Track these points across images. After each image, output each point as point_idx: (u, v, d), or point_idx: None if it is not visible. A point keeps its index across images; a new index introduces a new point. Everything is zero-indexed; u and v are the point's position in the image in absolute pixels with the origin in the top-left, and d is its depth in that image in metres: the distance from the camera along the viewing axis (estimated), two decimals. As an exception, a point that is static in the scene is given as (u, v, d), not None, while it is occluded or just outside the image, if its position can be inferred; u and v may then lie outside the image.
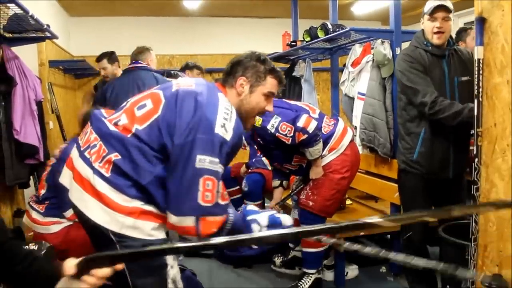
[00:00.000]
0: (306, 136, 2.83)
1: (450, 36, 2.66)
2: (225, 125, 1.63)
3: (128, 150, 1.61)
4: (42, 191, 2.68)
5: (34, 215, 2.60)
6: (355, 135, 3.44)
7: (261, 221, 1.78)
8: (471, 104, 2.42)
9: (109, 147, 1.64)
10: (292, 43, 4.62)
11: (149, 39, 6.41)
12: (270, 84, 1.89)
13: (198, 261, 3.48)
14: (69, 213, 2.51)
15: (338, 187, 3.03)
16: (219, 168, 1.62)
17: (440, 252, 2.67)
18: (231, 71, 1.88)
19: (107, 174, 1.60)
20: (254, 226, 1.76)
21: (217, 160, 1.60)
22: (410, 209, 2.79)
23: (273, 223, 1.79)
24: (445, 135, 2.58)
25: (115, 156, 1.62)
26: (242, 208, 1.86)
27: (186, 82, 1.78)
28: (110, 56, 4.40)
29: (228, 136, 1.63)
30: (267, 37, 6.30)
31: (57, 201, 2.57)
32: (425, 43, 2.61)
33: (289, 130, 2.83)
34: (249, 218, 1.79)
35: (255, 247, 2.51)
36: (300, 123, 2.82)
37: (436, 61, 2.59)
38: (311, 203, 3.02)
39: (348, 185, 3.14)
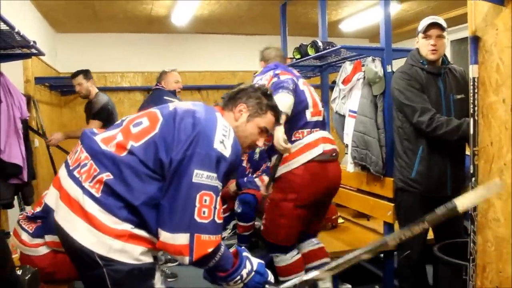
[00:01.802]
0: (276, 79, 2.68)
1: (444, 55, 2.68)
2: (223, 142, 1.63)
3: (120, 170, 1.57)
4: (38, 209, 2.58)
5: (23, 236, 2.49)
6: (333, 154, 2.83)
7: (253, 263, 1.78)
8: (467, 119, 2.45)
9: (101, 166, 1.59)
10: (282, 61, 4.59)
11: (137, 56, 6.44)
12: (268, 119, 1.92)
13: (190, 282, 3.40)
14: (49, 238, 2.42)
15: (280, 211, 2.70)
16: (217, 184, 1.59)
17: (435, 272, 2.63)
18: (234, 96, 1.90)
19: (98, 195, 1.56)
20: (247, 264, 1.75)
21: (214, 175, 1.58)
22: None
23: (261, 273, 1.78)
24: (443, 153, 2.58)
25: (106, 176, 1.57)
26: (235, 246, 1.84)
27: (183, 103, 1.80)
28: (86, 73, 4.48)
29: (226, 152, 1.62)
30: (256, 54, 6.21)
31: (47, 221, 2.48)
32: (421, 61, 2.63)
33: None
34: (244, 254, 1.78)
35: None
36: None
37: (432, 79, 2.61)
38: (262, 227, 2.87)
39: (297, 211, 2.68)
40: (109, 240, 1.53)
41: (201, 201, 1.55)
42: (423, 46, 2.61)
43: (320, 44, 3.82)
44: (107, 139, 1.68)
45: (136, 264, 1.56)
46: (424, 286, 2.77)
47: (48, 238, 2.40)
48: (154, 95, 4.18)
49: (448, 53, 5.39)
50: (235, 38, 6.89)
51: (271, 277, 1.81)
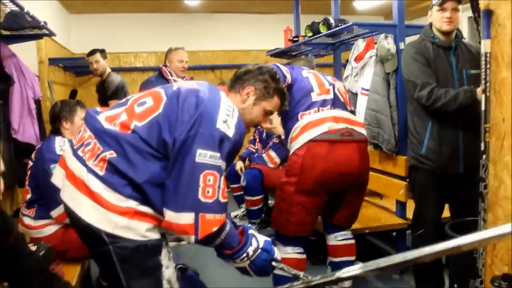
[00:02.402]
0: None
1: (458, 29, 2.62)
2: (227, 121, 1.62)
3: (123, 148, 1.58)
4: (28, 196, 2.63)
5: (26, 220, 2.55)
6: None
7: (260, 241, 1.76)
8: (465, 87, 2.45)
9: (104, 145, 1.60)
10: (294, 39, 4.56)
11: (149, 36, 6.43)
12: (274, 103, 1.91)
13: (201, 260, 3.44)
14: (56, 213, 2.46)
15: (281, 194, 2.59)
16: (221, 163, 1.59)
17: (447, 250, 2.62)
18: (241, 77, 1.88)
19: (101, 173, 1.57)
20: (253, 242, 1.74)
21: (218, 154, 1.58)
22: (422, 207, 2.73)
23: (267, 250, 1.76)
24: (454, 128, 2.54)
25: (110, 154, 1.58)
26: (243, 225, 1.84)
27: (187, 83, 1.78)
28: (102, 52, 4.50)
29: (230, 132, 1.62)
30: (268, 33, 6.25)
31: (43, 202, 2.52)
32: (432, 35, 2.58)
33: None
34: (251, 231, 1.77)
35: None
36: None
37: (442, 53, 2.57)
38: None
39: (299, 197, 2.50)
40: (115, 217, 1.54)
41: (205, 180, 1.55)
42: (437, 18, 2.57)
43: (332, 21, 3.77)
44: (111, 117, 1.69)
45: (142, 241, 1.57)
46: (438, 265, 2.75)
47: (55, 213, 2.45)
48: (150, 78, 4.15)
49: (465, 29, 5.28)
50: (248, 17, 6.82)
51: (277, 254, 1.80)
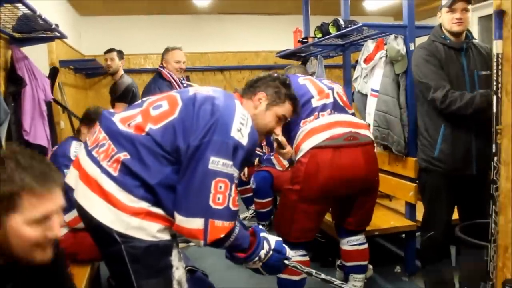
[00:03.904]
0: None
1: (468, 30, 2.60)
2: (241, 130, 1.64)
3: (137, 150, 1.60)
4: None
5: None
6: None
7: (271, 242, 1.78)
8: (481, 90, 2.41)
9: (118, 146, 1.63)
10: (304, 40, 4.55)
11: (159, 37, 6.44)
12: (286, 108, 1.95)
13: (210, 261, 3.45)
14: (69, 217, 2.47)
15: (284, 201, 2.61)
16: (233, 171, 1.61)
17: (457, 253, 2.60)
18: (253, 84, 1.92)
19: (115, 173, 1.59)
20: (265, 245, 1.76)
21: (230, 163, 1.60)
22: (433, 209, 2.70)
23: (279, 251, 1.79)
24: (468, 130, 2.52)
25: (123, 156, 1.60)
26: (253, 225, 1.86)
27: (204, 89, 1.80)
28: (120, 52, 4.60)
29: (243, 140, 1.64)
30: (277, 34, 6.26)
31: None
32: (443, 36, 2.56)
33: None
34: (262, 234, 1.79)
35: None
36: None
37: (453, 54, 2.55)
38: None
39: (302, 205, 2.47)
40: (127, 217, 1.56)
41: (216, 187, 1.57)
42: (447, 19, 2.55)
43: (341, 22, 3.76)
44: (125, 118, 1.71)
45: (153, 241, 1.59)
46: (448, 267, 2.73)
47: (67, 217, 2.47)
48: (149, 82, 4.09)
49: (475, 30, 5.24)
50: (257, 18, 6.84)
51: (289, 253, 1.83)
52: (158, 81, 3.93)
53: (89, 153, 1.68)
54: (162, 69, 3.98)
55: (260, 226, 1.87)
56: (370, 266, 3.27)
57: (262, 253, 1.74)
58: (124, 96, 4.38)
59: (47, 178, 1.13)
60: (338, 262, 3.19)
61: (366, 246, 2.76)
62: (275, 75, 1.98)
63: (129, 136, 1.63)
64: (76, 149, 2.56)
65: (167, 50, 4.02)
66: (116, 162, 1.60)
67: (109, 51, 4.62)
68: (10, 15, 2.85)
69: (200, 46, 6.63)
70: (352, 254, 2.73)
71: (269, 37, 6.68)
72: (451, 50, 2.55)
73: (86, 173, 1.65)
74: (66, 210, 2.41)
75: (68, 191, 2.35)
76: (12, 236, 1.09)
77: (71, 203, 2.44)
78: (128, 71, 5.06)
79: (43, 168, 1.14)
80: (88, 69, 5.79)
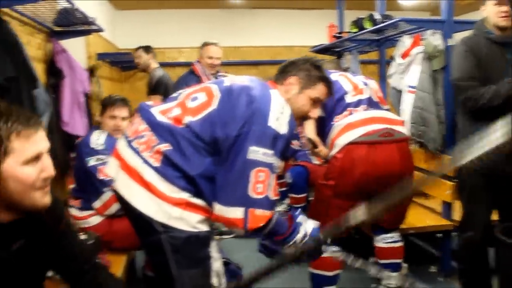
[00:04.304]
0: None
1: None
2: (279, 119, 1.63)
3: (178, 141, 1.62)
4: (73, 187, 2.71)
5: (73, 211, 2.64)
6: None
7: (308, 228, 1.79)
8: (507, 78, 2.32)
9: (159, 137, 1.65)
10: (338, 35, 4.51)
11: (193, 31, 6.50)
12: (320, 90, 1.89)
13: (242, 255, 3.46)
14: (97, 204, 2.53)
15: (318, 196, 2.59)
16: (273, 160, 1.62)
17: (496, 255, 2.53)
18: (284, 69, 1.90)
19: (157, 164, 1.62)
20: (301, 230, 1.77)
21: (271, 152, 1.60)
22: (472, 209, 2.62)
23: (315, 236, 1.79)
24: None
25: (165, 147, 1.63)
26: (291, 212, 1.86)
27: (239, 78, 1.80)
28: (146, 48, 4.68)
29: (282, 129, 1.64)
30: (312, 29, 6.20)
31: (86, 194, 2.59)
32: (486, 30, 2.46)
33: None
34: (299, 219, 1.79)
35: None
36: None
37: (498, 49, 2.43)
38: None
39: (336, 201, 2.43)
40: (168, 207, 1.59)
41: (256, 176, 1.58)
42: (493, 13, 2.42)
43: (377, 17, 3.71)
44: (164, 110, 1.73)
45: (193, 232, 1.62)
46: (485, 269, 2.66)
47: (96, 205, 2.52)
48: (180, 76, 4.15)
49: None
50: (291, 12, 6.79)
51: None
52: (188, 76, 3.97)
53: (129, 144, 1.71)
54: (196, 63, 4.01)
55: (298, 211, 1.87)
56: (405, 265, 3.23)
57: (299, 237, 1.74)
58: (156, 88, 4.45)
59: (31, 119, 1.17)
60: (372, 259, 3.15)
61: (401, 244, 2.72)
62: (306, 58, 1.95)
63: (169, 128, 1.65)
64: (96, 138, 2.60)
65: (202, 45, 4.05)
66: (158, 153, 1.63)
67: (136, 49, 4.72)
68: (50, 9, 2.92)
69: (234, 40, 6.63)
70: (386, 251, 2.70)
71: (302, 32, 6.63)
72: (495, 45, 2.45)
73: (127, 163, 1.67)
74: (93, 197, 2.51)
75: (93, 178, 2.42)
76: (10, 181, 1.12)
77: (97, 190, 2.51)
78: (162, 65, 5.11)
79: (24, 112, 1.20)
80: (124, 63, 5.88)
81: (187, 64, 6.44)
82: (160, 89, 4.40)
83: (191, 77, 3.92)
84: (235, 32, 6.62)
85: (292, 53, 6.70)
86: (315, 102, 1.90)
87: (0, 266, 1.15)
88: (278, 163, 1.66)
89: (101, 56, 4.98)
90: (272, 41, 6.75)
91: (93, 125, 2.78)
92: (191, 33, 6.51)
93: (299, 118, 1.89)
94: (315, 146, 2.62)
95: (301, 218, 1.82)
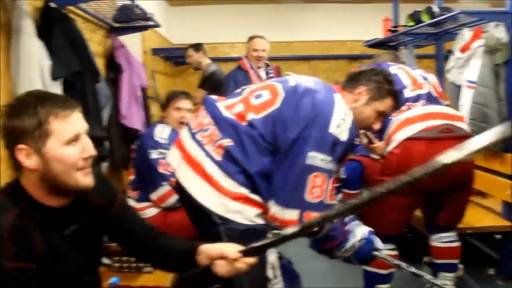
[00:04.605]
0: None
1: None
2: (340, 126, 1.63)
3: (240, 138, 1.65)
4: (132, 178, 2.79)
5: (131, 202, 2.70)
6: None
7: (362, 232, 1.80)
8: None
9: (223, 132, 1.68)
10: (394, 29, 4.40)
11: (245, 26, 6.48)
12: (387, 104, 1.87)
13: (293, 250, 3.46)
14: (155, 195, 2.58)
15: None
16: (331, 166, 1.62)
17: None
18: (354, 77, 1.88)
19: (218, 158, 1.65)
20: (356, 234, 1.78)
21: (329, 158, 1.60)
22: None
23: (369, 241, 1.81)
24: None
25: (227, 142, 1.66)
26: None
27: (304, 79, 1.80)
28: (196, 46, 4.74)
29: (343, 136, 1.64)
30: (365, 23, 6.08)
31: (145, 185, 2.66)
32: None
33: None
34: (353, 224, 1.81)
35: None
36: None
37: None
38: None
39: (393, 198, 2.32)
40: (228, 201, 1.62)
41: (313, 181, 1.59)
42: None
43: (435, 9, 3.59)
44: (228, 106, 1.76)
45: (251, 225, 1.65)
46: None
47: (154, 196, 2.58)
48: (229, 72, 4.16)
49: None
50: (344, 6, 6.69)
51: (379, 244, 1.83)
52: (236, 71, 4.01)
53: (193, 136, 1.75)
54: (243, 58, 4.04)
55: (353, 217, 1.86)
56: (461, 266, 3.14)
57: (353, 241, 1.75)
58: (204, 83, 4.54)
59: (66, 102, 1.20)
60: (426, 258, 3.08)
61: (457, 244, 2.64)
62: (378, 69, 1.93)
63: (233, 124, 1.68)
64: (159, 132, 2.66)
65: (248, 39, 4.07)
66: (220, 148, 1.66)
67: (186, 48, 4.80)
68: (110, 5, 3.02)
69: (285, 35, 6.60)
70: (442, 251, 2.63)
71: (355, 26, 6.51)
72: None
73: (190, 155, 1.72)
74: (151, 189, 2.56)
75: (153, 170, 2.47)
76: (54, 162, 1.16)
77: (156, 183, 2.57)
78: (214, 60, 5.19)
79: (60, 96, 1.25)
80: (177, 58, 5.99)
81: (239, 59, 6.56)
82: (208, 85, 4.46)
83: (239, 72, 3.97)
84: (287, 27, 6.60)
85: (344, 48, 6.69)
86: (380, 115, 1.88)
87: (54, 252, 1.18)
88: (336, 168, 1.66)
89: (156, 51, 5.11)
90: (324, 35, 6.67)
91: (159, 119, 2.84)
92: (243, 28, 6.51)
93: (360, 128, 1.88)
94: (371, 141, 2.58)
95: (355, 222, 1.82)
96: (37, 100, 1.16)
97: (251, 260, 1.25)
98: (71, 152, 1.17)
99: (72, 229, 1.26)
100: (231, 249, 1.25)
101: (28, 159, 1.15)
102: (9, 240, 1.09)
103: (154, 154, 2.57)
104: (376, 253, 1.81)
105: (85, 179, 1.22)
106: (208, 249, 1.29)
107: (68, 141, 1.17)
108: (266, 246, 1.29)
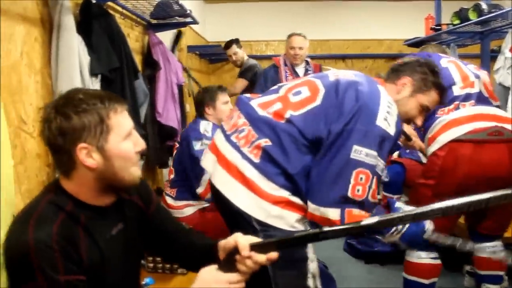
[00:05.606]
0: None
1: None
2: (387, 119, 1.54)
3: (279, 137, 1.57)
4: (172, 176, 2.77)
5: (169, 200, 2.70)
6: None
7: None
8: None
9: (259, 132, 1.61)
10: (437, 27, 4.26)
11: (281, 24, 6.45)
12: (432, 97, 1.78)
13: (327, 254, 3.39)
14: (202, 188, 2.55)
15: (416, 196, 2.38)
16: (378, 162, 1.52)
17: None
18: (398, 68, 1.80)
19: (256, 160, 1.57)
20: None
21: (375, 153, 1.51)
22: None
23: (416, 223, 1.66)
24: None
25: (265, 142, 1.58)
26: (388, 199, 1.78)
27: (343, 73, 1.73)
28: (237, 42, 4.64)
29: (391, 130, 1.55)
30: (405, 21, 5.96)
31: (185, 183, 2.63)
32: None
33: None
34: (397, 205, 1.70)
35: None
36: None
37: None
38: None
39: (435, 200, 2.34)
40: (268, 205, 1.55)
41: (356, 178, 1.50)
42: None
43: (484, 7, 3.45)
44: (264, 104, 1.68)
45: (291, 231, 1.56)
46: None
47: (200, 189, 2.56)
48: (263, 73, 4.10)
49: None
50: (382, 4, 6.54)
51: (429, 226, 1.70)
52: (270, 69, 3.99)
53: (227, 138, 1.69)
54: (281, 56, 4.00)
55: (395, 197, 1.77)
56: (506, 277, 2.99)
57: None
58: (245, 72, 4.51)
59: (118, 98, 1.19)
60: (468, 268, 2.95)
61: (503, 254, 2.50)
62: (424, 60, 1.83)
63: (269, 122, 1.61)
64: (204, 127, 2.65)
65: (287, 36, 4.01)
66: (257, 149, 1.59)
67: (228, 46, 4.66)
68: (149, 1, 2.99)
69: (321, 33, 6.49)
70: (487, 262, 2.49)
71: (393, 24, 6.38)
72: None
73: (226, 158, 1.65)
74: (195, 181, 2.54)
75: (196, 161, 2.45)
76: (116, 158, 1.14)
77: (200, 173, 2.54)
78: (250, 57, 5.15)
79: (107, 92, 1.25)
80: (212, 55, 6.00)
81: (275, 57, 6.50)
82: (249, 74, 4.46)
83: (270, 68, 3.98)
84: (322, 25, 6.50)
85: (382, 47, 6.55)
86: (423, 109, 1.79)
87: (103, 251, 1.16)
88: (382, 165, 1.56)
89: (191, 49, 5.09)
90: (361, 34, 6.54)
91: (198, 116, 2.82)
92: (279, 25, 6.47)
93: (402, 121, 1.78)
94: (408, 138, 2.46)
95: (398, 203, 1.73)
96: (92, 97, 1.14)
97: (274, 255, 1.14)
98: (129, 146, 1.17)
99: (119, 229, 1.24)
100: (244, 242, 1.16)
101: (89, 158, 1.12)
102: (58, 251, 1.05)
103: (198, 146, 2.56)
104: (425, 236, 1.70)
105: (138, 173, 1.21)
106: (225, 244, 1.21)
107: (127, 135, 1.16)
108: (280, 243, 1.17)
